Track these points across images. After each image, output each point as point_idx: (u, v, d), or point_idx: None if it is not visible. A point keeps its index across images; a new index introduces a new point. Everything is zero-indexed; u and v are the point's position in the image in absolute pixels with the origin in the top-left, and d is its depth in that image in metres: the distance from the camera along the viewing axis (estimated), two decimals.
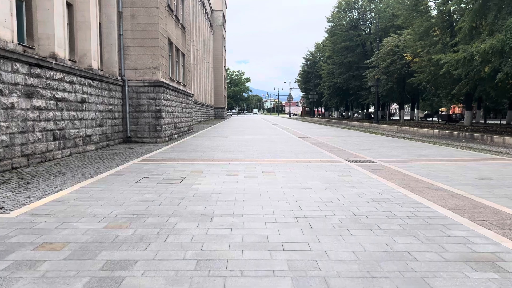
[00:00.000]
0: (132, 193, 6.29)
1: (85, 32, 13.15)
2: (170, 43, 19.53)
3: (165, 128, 16.92)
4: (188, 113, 23.66)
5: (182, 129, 21.48)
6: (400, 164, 9.75)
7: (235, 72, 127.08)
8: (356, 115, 72.52)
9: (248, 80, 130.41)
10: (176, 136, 19.41)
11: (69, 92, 11.41)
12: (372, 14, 46.35)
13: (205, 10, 54.06)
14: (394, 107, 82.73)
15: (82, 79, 12.34)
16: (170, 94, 18.18)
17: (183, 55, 23.28)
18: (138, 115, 16.39)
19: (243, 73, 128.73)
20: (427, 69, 26.60)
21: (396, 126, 28.91)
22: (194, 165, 9.50)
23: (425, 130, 23.73)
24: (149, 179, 7.54)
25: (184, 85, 23.12)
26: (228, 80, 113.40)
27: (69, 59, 12.47)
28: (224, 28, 73.93)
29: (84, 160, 10.60)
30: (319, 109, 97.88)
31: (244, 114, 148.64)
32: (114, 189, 6.56)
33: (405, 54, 30.92)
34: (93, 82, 13.17)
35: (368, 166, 9.37)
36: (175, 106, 19.38)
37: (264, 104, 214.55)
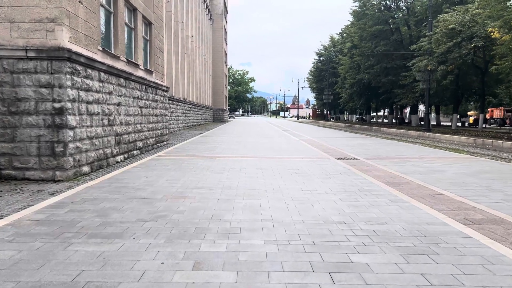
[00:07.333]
0: None
1: None
2: None
3: (78, 147, 8.16)
4: (156, 116, 14.90)
5: (140, 144, 12.72)
6: None
7: (238, 71, 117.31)
8: (379, 120, 62.50)
9: (252, 79, 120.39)
10: (121, 157, 10.66)
11: None
12: None
13: None
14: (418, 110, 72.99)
15: None
16: (100, 81, 9.43)
17: (148, 23, 14.54)
18: (16, 120, 7.66)
19: (247, 72, 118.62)
20: None
21: (466, 137, 19.84)
22: None
23: None
24: None
25: (149, 71, 14.38)
26: (231, 80, 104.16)
27: None
28: (226, 18, 65.08)
29: None
30: (330, 112, 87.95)
31: (248, 116, 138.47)
32: None
33: (489, 29, 21.37)
34: None
35: None
36: (117, 104, 10.60)
37: (269, 107, 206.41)
